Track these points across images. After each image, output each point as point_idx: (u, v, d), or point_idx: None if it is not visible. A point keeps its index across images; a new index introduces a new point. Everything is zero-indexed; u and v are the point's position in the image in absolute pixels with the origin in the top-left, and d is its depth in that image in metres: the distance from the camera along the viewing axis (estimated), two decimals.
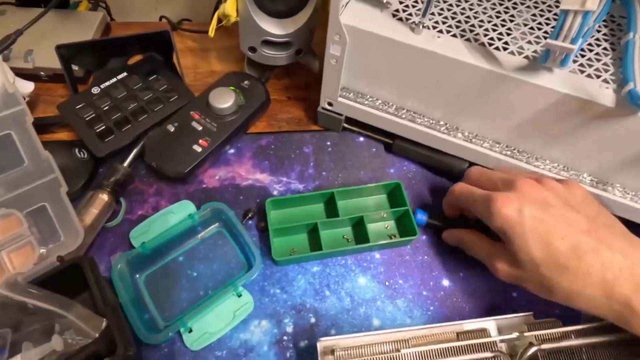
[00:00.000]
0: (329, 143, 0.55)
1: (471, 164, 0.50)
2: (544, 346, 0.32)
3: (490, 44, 0.41)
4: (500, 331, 0.36)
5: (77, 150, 0.50)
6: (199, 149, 0.49)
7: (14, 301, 0.36)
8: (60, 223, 0.41)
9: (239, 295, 0.42)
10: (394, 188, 0.49)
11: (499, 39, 0.42)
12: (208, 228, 0.47)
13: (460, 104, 0.45)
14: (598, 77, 0.39)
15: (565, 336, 0.33)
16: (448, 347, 0.33)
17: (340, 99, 0.50)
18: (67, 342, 0.36)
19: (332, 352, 0.34)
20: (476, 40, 0.41)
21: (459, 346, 0.33)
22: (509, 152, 0.47)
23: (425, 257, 0.47)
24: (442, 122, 0.49)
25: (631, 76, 0.37)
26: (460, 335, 0.34)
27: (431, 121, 0.49)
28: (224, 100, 0.50)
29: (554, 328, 0.33)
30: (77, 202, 0.45)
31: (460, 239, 0.44)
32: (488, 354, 0.33)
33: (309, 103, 0.59)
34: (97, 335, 0.36)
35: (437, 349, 0.32)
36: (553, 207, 0.35)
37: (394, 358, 0.32)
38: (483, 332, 0.34)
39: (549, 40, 0.35)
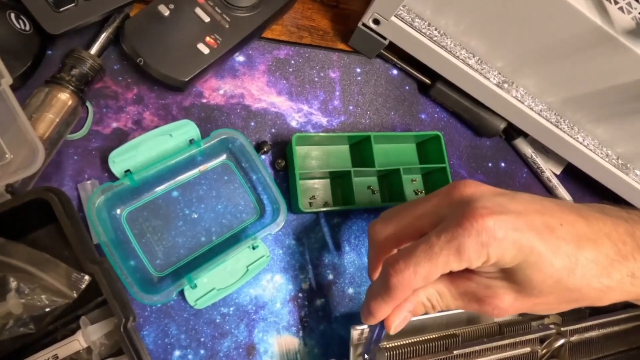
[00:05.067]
0: (358, 70, 0.45)
1: (509, 125, 0.46)
2: (573, 338, 0.33)
3: None
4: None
5: (12, 16, 0.33)
6: (206, 50, 0.36)
7: None
8: (4, 133, 0.28)
9: (254, 248, 0.35)
10: (429, 139, 0.43)
11: None
12: (211, 159, 0.37)
13: (531, 56, 0.39)
14: None
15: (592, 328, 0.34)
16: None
17: (393, 19, 0.40)
18: (28, 302, 0.27)
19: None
20: None
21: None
22: (553, 120, 0.44)
23: None
24: (497, 74, 0.42)
25: None
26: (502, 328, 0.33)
27: (488, 69, 0.42)
28: None
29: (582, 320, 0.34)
30: (19, 101, 0.31)
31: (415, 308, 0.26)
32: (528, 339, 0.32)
33: (339, 13, 0.47)
34: (75, 296, 0.27)
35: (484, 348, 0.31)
36: (514, 195, 0.24)
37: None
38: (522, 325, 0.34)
39: None
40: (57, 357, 0.28)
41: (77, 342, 0.29)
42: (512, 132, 0.49)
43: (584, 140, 0.44)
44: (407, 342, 0.31)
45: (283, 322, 0.36)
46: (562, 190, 0.49)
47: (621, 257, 0.24)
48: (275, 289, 0.36)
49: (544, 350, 0.33)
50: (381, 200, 0.40)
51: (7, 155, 0.28)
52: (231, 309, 0.35)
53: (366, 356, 0.30)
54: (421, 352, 0.31)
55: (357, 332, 0.31)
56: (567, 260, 0.23)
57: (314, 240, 0.39)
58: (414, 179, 0.43)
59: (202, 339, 0.34)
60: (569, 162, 0.47)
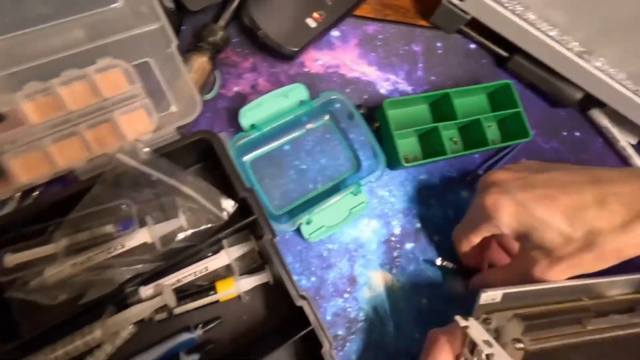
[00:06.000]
0: (439, 44, 0.50)
1: (586, 95, 0.48)
2: None
3: None
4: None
5: None
6: (313, 24, 0.42)
7: (135, 170, 0.32)
8: (170, 87, 0.35)
9: (355, 194, 0.40)
10: (499, 88, 0.46)
11: None
12: (316, 119, 0.43)
13: (614, 25, 0.41)
14: None
15: None
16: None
17: None
18: (189, 220, 0.34)
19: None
20: None
21: None
22: (633, 89, 0.45)
23: None
24: (578, 44, 0.45)
25: None
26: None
27: (568, 40, 0.45)
28: None
29: None
30: None
31: (486, 283, 0.37)
32: None
33: None
34: (226, 218, 0.34)
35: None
36: (529, 177, 0.32)
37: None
38: None
39: None
40: (207, 269, 0.35)
41: (222, 258, 0.35)
42: (588, 103, 0.51)
43: None
44: (540, 310, 0.31)
45: (379, 260, 0.41)
46: (637, 160, 0.51)
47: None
48: (372, 232, 0.42)
49: None
50: (464, 149, 0.44)
51: (171, 107, 0.35)
52: (335, 245, 0.40)
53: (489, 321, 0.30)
54: (554, 325, 0.30)
55: (487, 295, 0.30)
56: (568, 222, 0.30)
57: (403, 192, 0.44)
58: (489, 126, 0.47)
59: (312, 269, 0.39)
60: None
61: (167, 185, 0.33)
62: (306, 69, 0.45)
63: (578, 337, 0.31)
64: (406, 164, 0.41)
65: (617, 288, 0.36)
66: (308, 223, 0.39)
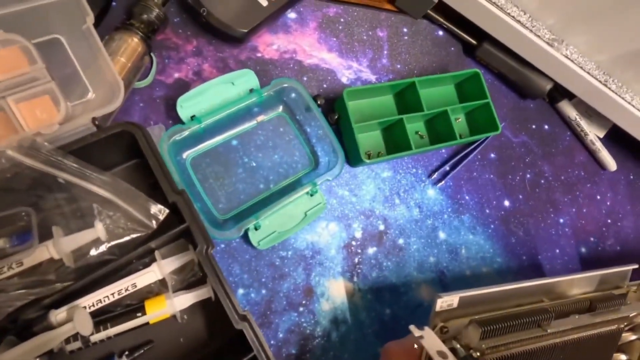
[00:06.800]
0: (405, 30, 0.46)
1: (554, 87, 0.46)
2: None
3: None
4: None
5: None
6: (265, 2, 0.37)
7: (34, 171, 0.26)
8: (87, 70, 0.29)
9: (311, 195, 0.36)
10: (468, 78, 0.43)
11: None
12: (268, 111, 0.38)
13: (584, 10, 0.39)
14: None
15: None
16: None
17: None
18: (112, 229, 0.28)
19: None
20: None
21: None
22: (602, 79, 0.43)
23: (492, 175, 0.45)
24: (548, 31, 0.42)
25: None
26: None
27: (539, 27, 0.42)
28: None
29: None
30: None
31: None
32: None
33: None
34: (154, 227, 0.29)
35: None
36: None
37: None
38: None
39: None
40: (136, 286, 0.30)
41: (153, 273, 0.30)
42: (557, 94, 0.49)
43: (632, 99, 0.44)
44: (498, 315, 0.29)
45: (338, 268, 0.37)
46: (605, 153, 0.49)
47: None
48: (330, 236, 0.38)
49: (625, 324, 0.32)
50: (430, 143, 0.41)
51: (89, 93, 0.29)
52: (289, 252, 0.36)
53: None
54: (513, 329, 0.28)
55: (442, 301, 0.28)
56: None
57: (365, 192, 0.40)
58: (457, 118, 0.44)
59: (263, 280, 0.35)
60: (613, 124, 0.47)
61: (82, 189, 0.28)
62: (259, 54, 0.40)
63: (538, 342, 0.29)
64: (368, 160, 0.37)
65: (577, 287, 0.35)
66: (257, 228, 0.34)
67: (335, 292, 0.36)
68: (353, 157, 0.38)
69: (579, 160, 0.50)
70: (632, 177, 0.52)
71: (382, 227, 0.39)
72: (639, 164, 0.52)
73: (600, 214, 0.49)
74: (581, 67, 0.43)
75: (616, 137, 0.50)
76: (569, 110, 0.49)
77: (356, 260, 0.38)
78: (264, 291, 0.35)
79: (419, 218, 0.41)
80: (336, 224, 0.38)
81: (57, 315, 0.27)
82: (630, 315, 0.32)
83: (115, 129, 0.27)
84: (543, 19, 0.42)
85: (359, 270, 0.38)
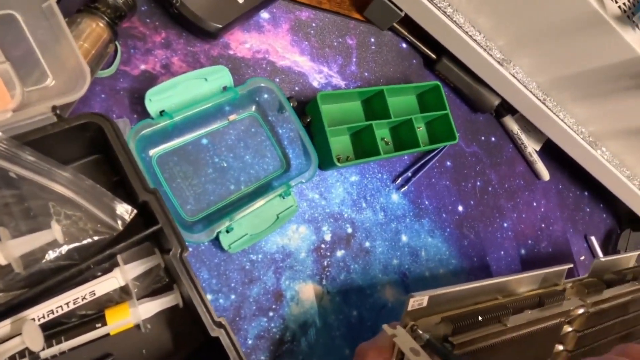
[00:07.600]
0: (372, 40, 0.47)
1: (503, 101, 0.51)
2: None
3: None
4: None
5: None
6: (241, 0, 0.36)
7: None
8: (47, 54, 0.26)
9: (283, 197, 0.36)
10: (429, 89, 0.46)
11: None
12: (240, 110, 0.37)
13: (530, 35, 0.43)
14: None
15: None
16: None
17: None
18: (71, 231, 0.26)
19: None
20: None
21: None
22: (541, 98, 0.49)
23: (448, 182, 0.48)
24: (499, 52, 0.46)
25: None
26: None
27: (491, 46, 0.46)
28: None
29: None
30: None
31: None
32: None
33: None
34: (121, 228, 0.27)
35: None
36: None
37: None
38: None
39: None
40: (94, 294, 0.27)
41: (115, 279, 0.28)
42: (502, 109, 0.54)
43: (564, 117, 0.50)
44: (465, 312, 0.31)
45: (307, 271, 0.37)
46: (540, 165, 0.55)
47: None
48: (301, 239, 0.37)
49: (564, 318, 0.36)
50: (394, 150, 0.43)
51: (48, 79, 0.26)
52: (259, 256, 0.35)
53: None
54: (479, 325, 0.30)
55: (414, 300, 0.29)
56: None
57: (335, 195, 0.40)
58: (419, 127, 0.46)
59: (232, 284, 0.34)
60: (548, 139, 0.53)
61: (36, 184, 0.25)
62: (231, 52, 0.39)
63: (499, 337, 0.31)
64: (339, 164, 0.37)
65: (525, 285, 0.38)
66: (228, 231, 0.33)
67: (304, 295, 0.36)
68: (324, 161, 0.38)
69: (519, 170, 0.55)
70: (560, 186, 0.58)
71: (350, 230, 0.40)
72: (567, 175, 0.59)
73: (536, 219, 0.54)
74: (524, 86, 0.48)
75: (549, 151, 0.56)
76: (511, 124, 0.54)
77: (325, 263, 0.38)
78: (233, 296, 0.34)
79: (384, 221, 0.42)
80: (306, 227, 0.38)
81: (1, 328, 0.24)
82: (571, 309, 0.37)
83: (79, 120, 0.24)
84: (495, 39, 0.46)
85: (327, 273, 0.38)
